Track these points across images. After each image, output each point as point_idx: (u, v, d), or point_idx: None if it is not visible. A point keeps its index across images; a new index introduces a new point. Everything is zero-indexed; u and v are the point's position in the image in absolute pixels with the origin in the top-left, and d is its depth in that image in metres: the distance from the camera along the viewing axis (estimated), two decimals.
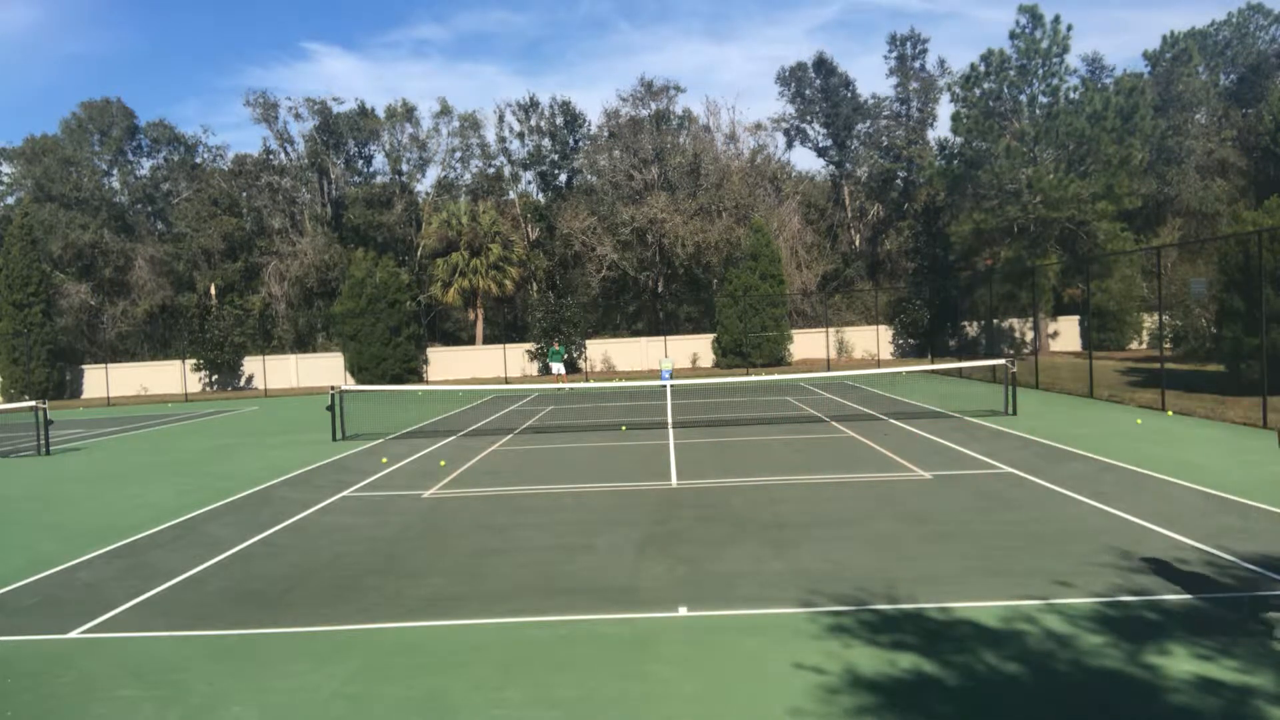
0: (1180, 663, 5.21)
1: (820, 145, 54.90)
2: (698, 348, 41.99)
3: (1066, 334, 39.66)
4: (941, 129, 74.47)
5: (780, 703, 4.91)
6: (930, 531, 8.67)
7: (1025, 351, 34.12)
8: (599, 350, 42.30)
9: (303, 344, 47.57)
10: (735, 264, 41.89)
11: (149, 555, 8.98)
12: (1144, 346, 37.14)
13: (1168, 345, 26.01)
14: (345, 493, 12.13)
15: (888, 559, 7.72)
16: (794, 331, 41.74)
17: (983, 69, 36.21)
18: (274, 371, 41.23)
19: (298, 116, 53.99)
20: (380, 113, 52.33)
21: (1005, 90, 36.06)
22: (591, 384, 33.23)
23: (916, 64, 52.65)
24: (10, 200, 50.41)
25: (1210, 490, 9.90)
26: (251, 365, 41.90)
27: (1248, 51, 49.19)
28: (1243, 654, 5.30)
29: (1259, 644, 5.45)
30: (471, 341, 47.32)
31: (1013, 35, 35.65)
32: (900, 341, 42.05)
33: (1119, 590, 6.56)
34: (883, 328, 41.78)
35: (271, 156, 52.53)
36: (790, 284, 43.47)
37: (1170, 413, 17.22)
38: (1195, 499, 9.55)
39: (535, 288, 49.20)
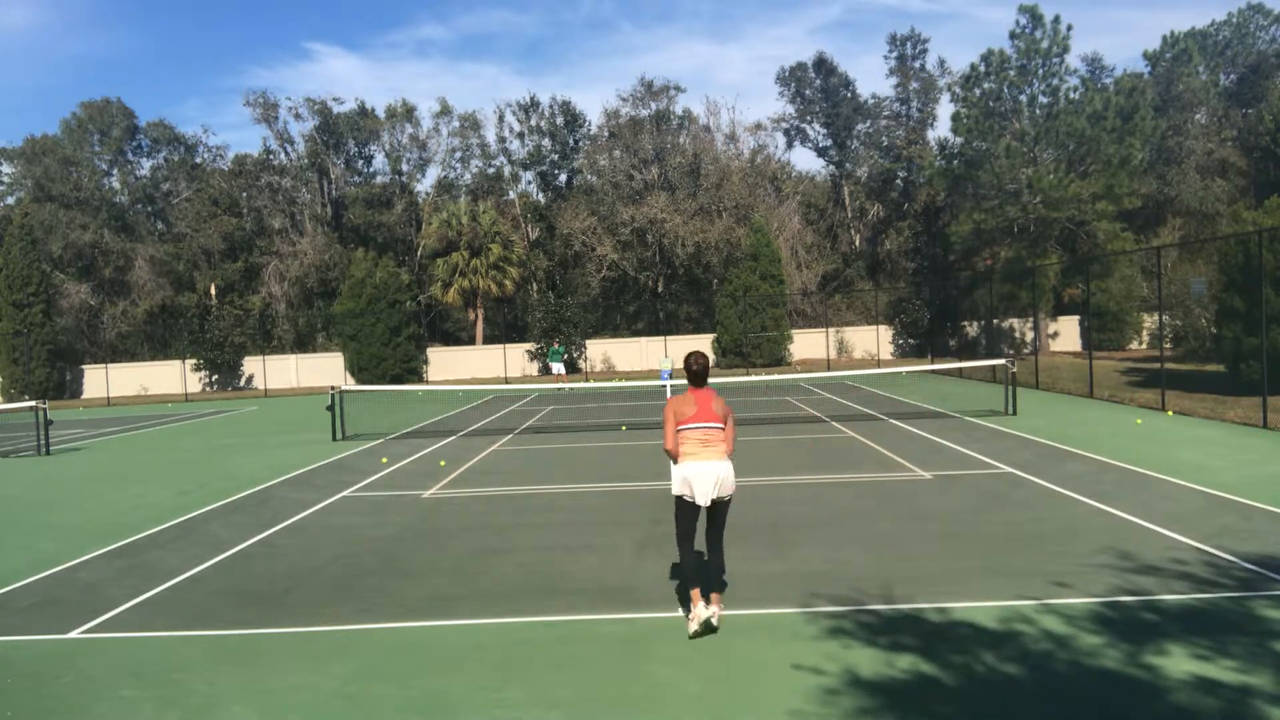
0: (1179, 663, 5.21)
1: (820, 145, 54.93)
2: (698, 348, 41.89)
3: (1066, 334, 39.66)
4: (941, 129, 74.55)
5: (780, 703, 4.91)
6: (930, 531, 8.67)
7: (1025, 351, 34.14)
8: (599, 350, 42.29)
9: (303, 344, 47.56)
10: (735, 264, 41.89)
11: (149, 555, 8.98)
12: (1144, 346, 37.14)
13: (1168, 345, 26.00)
14: (345, 493, 12.13)
15: (888, 559, 7.73)
16: (794, 331, 41.75)
17: (983, 69, 36.21)
18: (274, 371, 41.23)
19: (298, 116, 54.04)
20: (380, 113, 52.35)
21: (1005, 90, 36.06)
22: (591, 384, 33.23)
23: (916, 64, 52.65)
24: (10, 200, 50.41)
25: (1210, 490, 9.90)
26: (251, 365, 41.89)
27: (1248, 51, 49.20)
28: (1241, 654, 5.30)
29: (1258, 644, 5.46)
30: (471, 341, 47.32)
31: (1013, 35, 35.69)
32: (900, 341, 42.06)
33: (1118, 590, 6.56)
34: (883, 328, 41.79)
35: (271, 156, 52.54)
36: (790, 284, 43.47)
37: (1170, 413, 17.22)
38: (1195, 499, 9.55)
39: (535, 288, 49.19)
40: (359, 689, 5.36)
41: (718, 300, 41.50)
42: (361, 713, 5.05)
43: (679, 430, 6.14)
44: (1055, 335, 39.33)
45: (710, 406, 6.16)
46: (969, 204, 37.61)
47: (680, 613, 6.48)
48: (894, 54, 52.69)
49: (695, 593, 5.99)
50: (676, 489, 6.13)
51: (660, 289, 48.10)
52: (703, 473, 6.03)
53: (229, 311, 44.52)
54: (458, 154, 53.17)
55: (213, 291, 49.11)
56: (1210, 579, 6.75)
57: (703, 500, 6.05)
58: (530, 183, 54.40)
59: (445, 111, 52.28)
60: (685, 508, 6.17)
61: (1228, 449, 12.82)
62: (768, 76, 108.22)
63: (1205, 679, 4.99)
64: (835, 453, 14.03)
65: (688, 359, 6.32)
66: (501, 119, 53.34)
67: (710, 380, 6.53)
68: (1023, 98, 36.18)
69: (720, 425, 6.16)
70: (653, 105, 48.62)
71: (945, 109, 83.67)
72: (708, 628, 5.93)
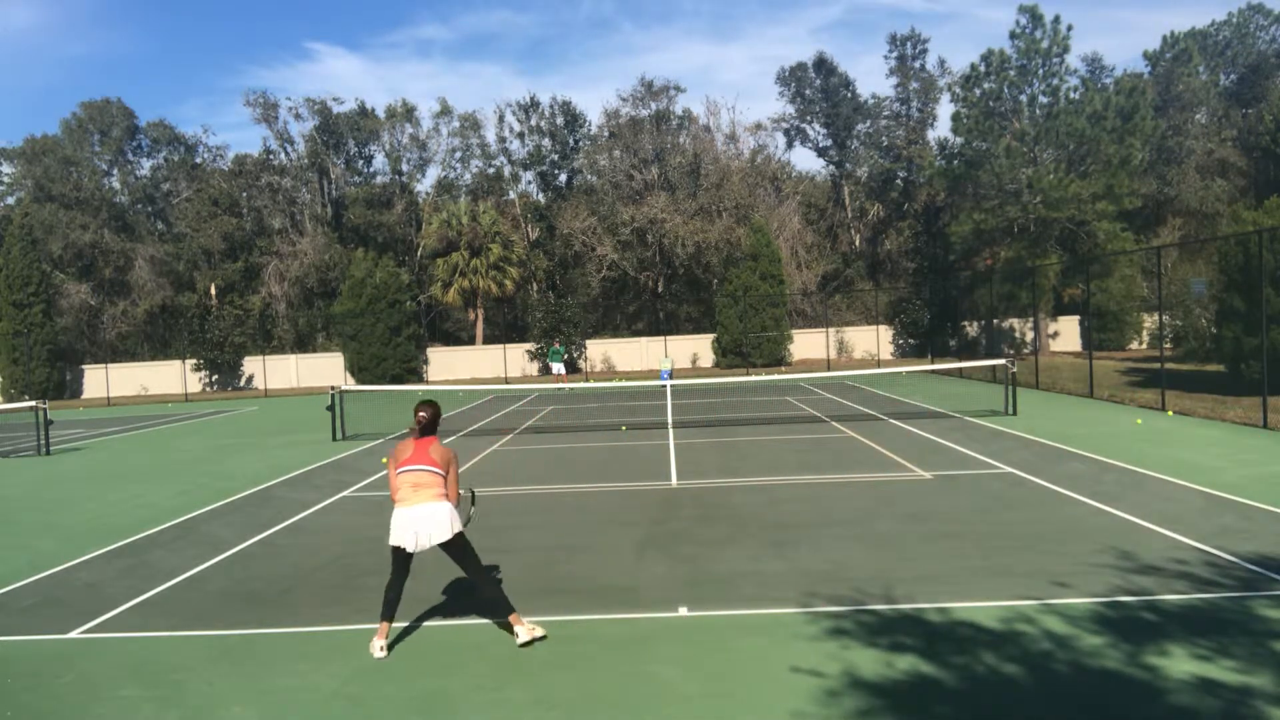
0: (1179, 663, 5.21)
1: (820, 145, 54.91)
2: (698, 348, 41.98)
3: (1066, 334, 39.67)
4: (941, 129, 74.58)
5: (781, 703, 4.91)
6: (930, 531, 8.67)
7: (1025, 351, 34.14)
8: (599, 350, 42.30)
9: (303, 344, 47.56)
10: (735, 264, 41.89)
11: (149, 555, 8.98)
12: (1144, 346, 37.15)
13: (1168, 345, 25.99)
14: (345, 493, 12.13)
15: (888, 559, 7.72)
16: (794, 331, 41.74)
17: (983, 69, 36.20)
18: (274, 371, 41.23)
19: (298, 116, 54.00)
20: (380, 113, 52.34)
21: (1005, 90, 36.04)
22: (591, 384, 33.23)
23: (916, 64, 52.66)
24: (10, 200, 50.40)
25: (1210, 490, 9.90)
26: (251, 365, 41.89)
27: (1248, 51, 49.21)
28: (1242, 654, 5.30)
29: (1258, 644, 5.45)
30: (471, 341, 47.31)
31: (1013, 35, 35.66)
32: (900, 341, 42.05)
33: (1119, 590, 6.56)
34: (883, 328, 41.79)
35: (271, 156, 52.53)
36: (790, 284, 43.48)
37: (1170, 413, 17.22)
38: (1195, 499, 9.55)
39: (535, 288, 49.19)
40: (359, 689, 5.36)
41: (718, 300, 41.50)
42: (361, 713, 5.04)
43: (397, 474, 6.15)
44: (1055, 335, 39.33)
45: (426, 452, 6.13)
46: (969, 204, 37.61)
47: (680, 612, 6.50)
48: (894, 54, 52.73)
49: (384, 626, 5.97)
50: (390, 535, 6.09)
51: (660, 289, 48.10)
52: (408, 518, 6.02)
53: (229, 311, 44.50)
54: (458, 154, 53.21)
55: (213, 291, 49.11)
56: (1211, 579, 6.75)
57: (409, 546, 6.01)
58: (530, 183, 54.44)
59: (445, 111, 52.31)
60: (393, 553, 6.12)
61: (1228, 449, 12.82)
62: (768, 76, 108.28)
63: (1206, 679, 4.99)
64: (835, 453, 14.03)
65: (417, 408, 6.28)
66: (501, 119, 53.39)
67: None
68: (1023, 98, 36.16)
69: (435, 470, 6.10)
70: (653, 105, 48.66)
71: (945, 109, 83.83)
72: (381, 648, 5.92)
